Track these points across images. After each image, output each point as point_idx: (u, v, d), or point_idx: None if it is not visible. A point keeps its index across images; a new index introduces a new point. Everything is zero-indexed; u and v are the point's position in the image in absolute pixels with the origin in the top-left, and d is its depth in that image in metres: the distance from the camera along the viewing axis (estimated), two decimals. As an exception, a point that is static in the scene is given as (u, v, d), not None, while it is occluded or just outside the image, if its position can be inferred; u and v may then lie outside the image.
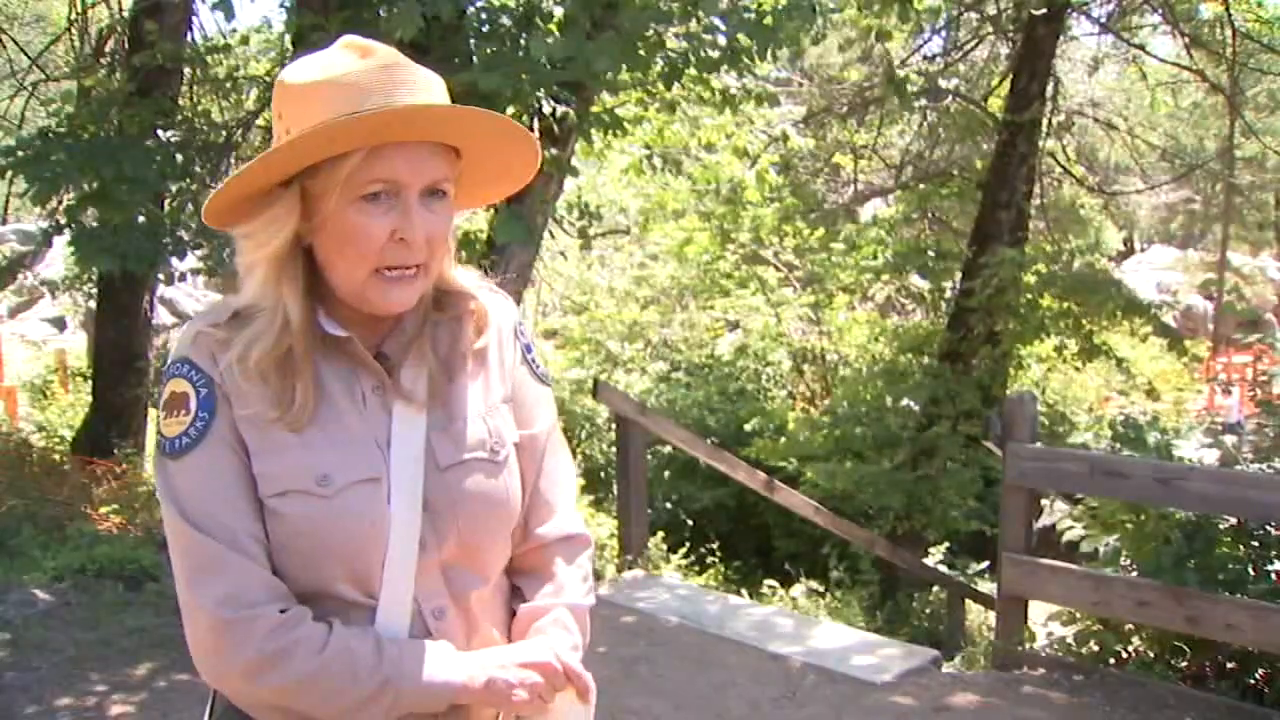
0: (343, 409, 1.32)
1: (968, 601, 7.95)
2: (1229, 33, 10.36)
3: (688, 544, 8.02)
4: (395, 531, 1.30)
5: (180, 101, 7.74)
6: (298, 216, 1.28)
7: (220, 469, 1.28)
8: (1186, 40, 10.83)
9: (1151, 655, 4.65)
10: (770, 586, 7.73)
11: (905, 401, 9.83)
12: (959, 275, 9.65)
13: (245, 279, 1.32)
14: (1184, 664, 4.60)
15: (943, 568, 8.50)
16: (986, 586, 7.99)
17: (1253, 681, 4.43)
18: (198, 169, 6.63)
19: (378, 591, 1.31)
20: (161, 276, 7.18)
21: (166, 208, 6.23)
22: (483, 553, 1.38)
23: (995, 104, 10.37)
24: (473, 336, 1.42)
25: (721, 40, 5.40)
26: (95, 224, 5.68)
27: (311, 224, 1.29)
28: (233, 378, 1.29)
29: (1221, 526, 4.53)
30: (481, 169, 1.38)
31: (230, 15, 5.20)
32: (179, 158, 6.25)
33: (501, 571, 1.45)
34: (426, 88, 1.30)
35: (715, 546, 8.37)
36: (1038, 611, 4.99)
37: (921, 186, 11.17)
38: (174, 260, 5.99)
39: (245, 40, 7.63)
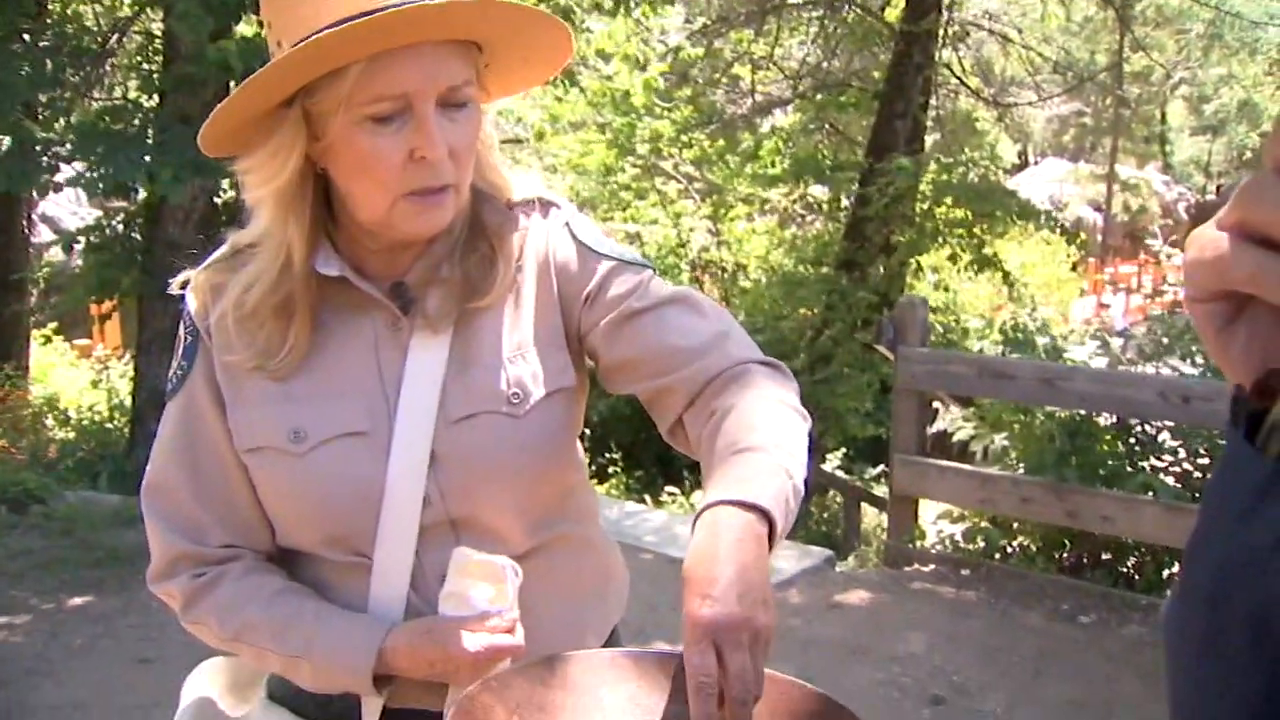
0: (342, 355, 1.18)
1: (864, 505, 8.14)
2: (1120, -56, 10.50)
3: (587, 454, 8.06)
4: (392, 488, 1.16)
5: (48, 5, 7.35)
6: (304, 140, 1.09)
7: (185, 420, 1.21)
8: (1079, -49, 10.94)
9: (1035, 549, 4.84)
10: (670, 494, 7.82)
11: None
12: (856, 185, 9.73)
13: (253, 213, 1.17)
14: (1064, 556, 4.80)
15: (840, 473, 8.69)
16: (882, 490, 8.19)
17: (1125, 570, 4.66)
18: (70, 77, 6.31)
19: (372, 553, 1.17)
20: (36, 192, 6.88)
21: (40, 119, 5.95)
22: (499, 514, 1.20)
23: (892, 14, 10.39)
24: (510, 270, 1.21)
25: None
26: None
27: (320, 145, 1.10)
28: (223, 324, 1.17)
29: (1104, 424, 4.71)
30: (504, 60, 1.17)
31: None
32: (49, 64, 5.94)
33: (548, 538, 1.26)
34: None
35: (617, 456, 8.43)
36: (929, 511, 5.14)
37: (819, 97, 11.19)
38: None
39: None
